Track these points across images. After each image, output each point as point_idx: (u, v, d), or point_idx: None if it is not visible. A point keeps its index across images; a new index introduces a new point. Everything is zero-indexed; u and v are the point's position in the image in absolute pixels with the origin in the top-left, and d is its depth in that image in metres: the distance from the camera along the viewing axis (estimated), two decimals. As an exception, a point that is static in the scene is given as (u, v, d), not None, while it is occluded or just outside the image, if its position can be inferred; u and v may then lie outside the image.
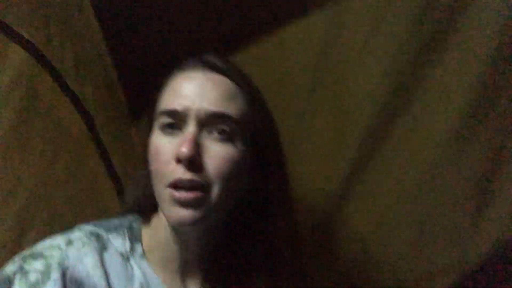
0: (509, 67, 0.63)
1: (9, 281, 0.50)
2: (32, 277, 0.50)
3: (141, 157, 1.09)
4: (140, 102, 1.02)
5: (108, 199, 0.95)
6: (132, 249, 0.60)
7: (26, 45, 0.81)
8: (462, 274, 0.70)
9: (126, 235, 0.61)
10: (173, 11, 0.87)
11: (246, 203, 0.61)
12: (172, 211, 0.54)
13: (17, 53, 0.80)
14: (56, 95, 0.86)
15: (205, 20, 0.82)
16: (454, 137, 0.69)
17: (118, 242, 0.60)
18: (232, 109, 0.57)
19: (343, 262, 0.78)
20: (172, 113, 0.57)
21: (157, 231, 0.61)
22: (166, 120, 0.58)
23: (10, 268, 0.52)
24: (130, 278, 0.57)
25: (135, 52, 0.94)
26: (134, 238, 0.61)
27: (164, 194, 0.55)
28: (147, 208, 0.64)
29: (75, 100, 0.88)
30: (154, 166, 0.58)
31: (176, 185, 0.54)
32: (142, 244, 0.61)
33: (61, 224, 0.86)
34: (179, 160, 0.54)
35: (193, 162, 0.53)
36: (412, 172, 0.74)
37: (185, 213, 0.53)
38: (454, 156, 0.69)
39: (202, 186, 0.54)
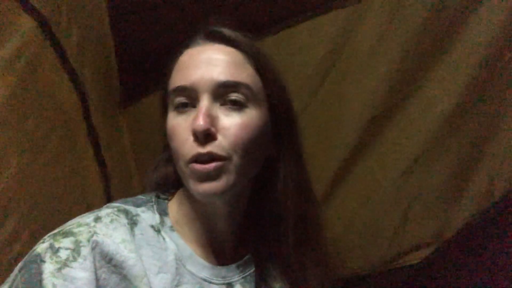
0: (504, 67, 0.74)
1: (40, 259, 0.48)
2: (63, 254, 0.49)
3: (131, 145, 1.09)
4: (133, 91, 1.03)
5: (92, 185, 0.93)
6: (161, 221, 0.60)
7: (37, 15, 0.79)
8: (442, 243, 0.81)
9: (155, 208, 0.61)
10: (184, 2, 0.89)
11: (267, 171, 0.62)
12: (196, 186, 0.54)
13: (25, 23, 0.77)
14: (56, 71, 0.84)
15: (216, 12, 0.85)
16: (440, 130, 0.80)
17: (147, 216, 0.59)
18: (242, 76, 0.56)
19: (330, 237, 0.84)
20: (182, 90, 0.56)
21: (184, 206, 0.61)
22: (178, 98, 0.56)
23: (40, 246, 0.50)
24: (164, 249, 0.57)
25: (138, 41, 0.95)
26: (162, 211, 0.61)
27: (186, 170, 0.55)
28: (169, 186, 0.65)
29: (74, 79, 0.87)
30: (173, 145, 0.57)
31: (196, 160, 0.54)
32: (169, 217, 0.61)
33: (42, 208, 0.83)
34: (196, 135, 0.53)
35: (209, 134, 0.53)
36: (401, 161, 0.83)
37: (208, 186, 0.53)
38: (441, 145, 0.80)
39: (221, 157, 0.54)
